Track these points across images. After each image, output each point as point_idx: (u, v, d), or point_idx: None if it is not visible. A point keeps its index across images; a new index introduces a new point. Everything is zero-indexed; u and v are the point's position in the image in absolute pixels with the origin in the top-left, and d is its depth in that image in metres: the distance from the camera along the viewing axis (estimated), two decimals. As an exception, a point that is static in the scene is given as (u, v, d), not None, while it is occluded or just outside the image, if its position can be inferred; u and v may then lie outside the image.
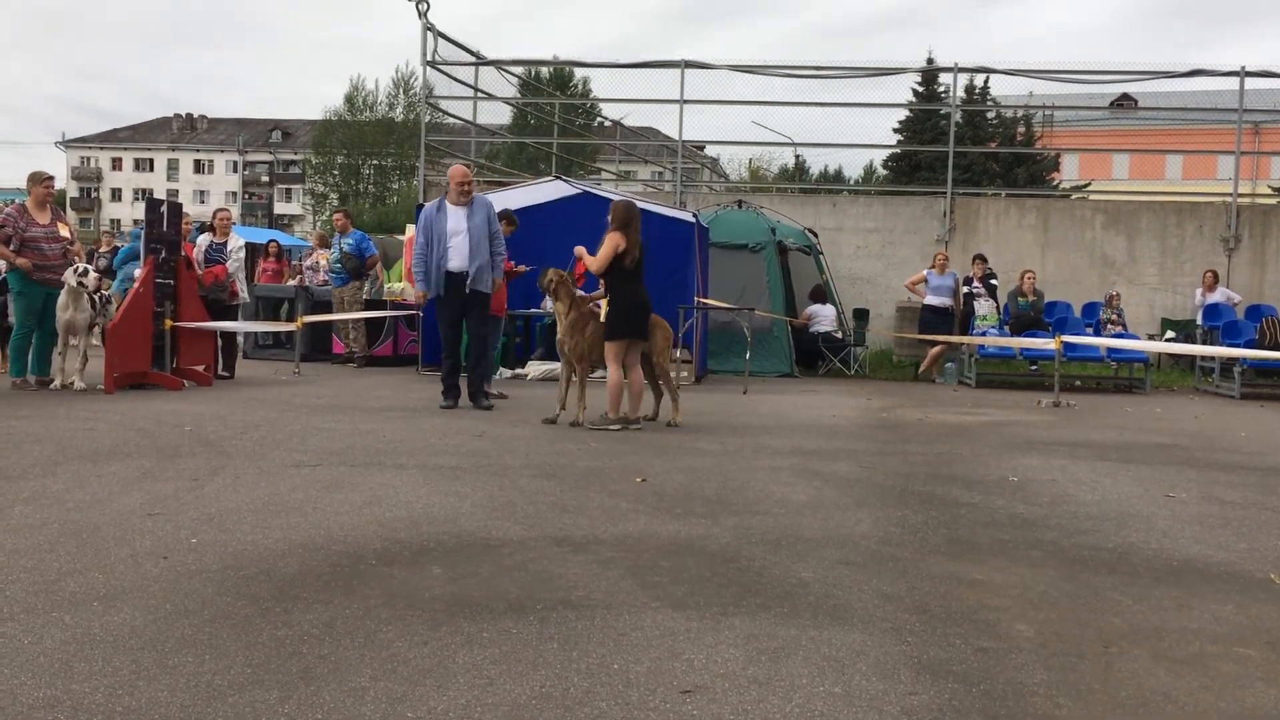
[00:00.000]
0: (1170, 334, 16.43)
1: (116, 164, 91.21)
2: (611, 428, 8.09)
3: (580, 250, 8.68)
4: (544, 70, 36.05)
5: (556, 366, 13.24)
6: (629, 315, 8.23)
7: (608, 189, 19.04)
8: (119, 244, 17.42)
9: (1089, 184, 34.27)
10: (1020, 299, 14.98)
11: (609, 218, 8.36)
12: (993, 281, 15.05)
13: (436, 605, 3.51)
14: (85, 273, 9.81)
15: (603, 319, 8.28)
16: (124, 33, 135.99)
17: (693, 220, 13.40)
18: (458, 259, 9.28)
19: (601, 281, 8.45)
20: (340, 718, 2.61)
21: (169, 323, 10.46)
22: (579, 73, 46.26)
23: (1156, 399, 13.12)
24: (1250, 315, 15.30)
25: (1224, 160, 23.70)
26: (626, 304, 8.22)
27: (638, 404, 8.36)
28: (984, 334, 14.34)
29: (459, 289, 9.29)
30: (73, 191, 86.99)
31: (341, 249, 14.43)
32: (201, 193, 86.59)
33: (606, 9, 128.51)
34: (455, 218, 9.30)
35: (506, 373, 13.11)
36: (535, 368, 13.13)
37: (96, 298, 10.11)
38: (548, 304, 13.94)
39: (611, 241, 8.16)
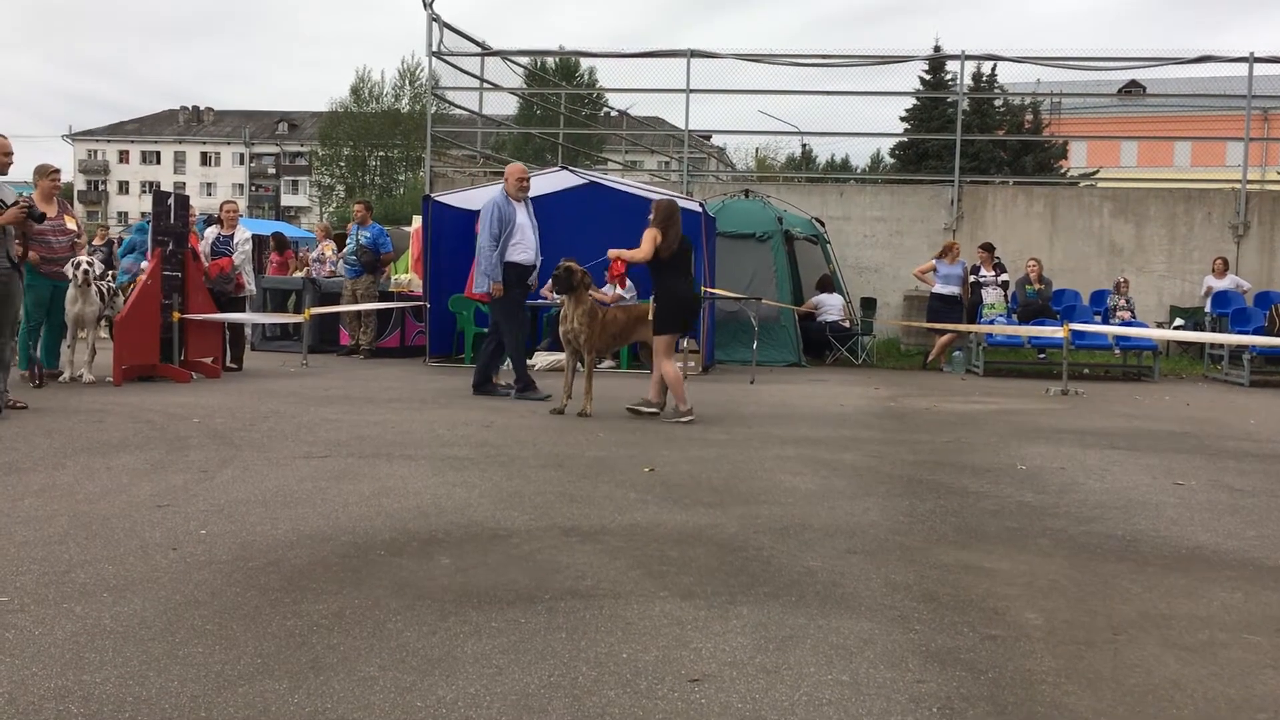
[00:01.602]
0: (1179, 321, 16.37)
1: (123, 156, 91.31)
2: (683, 420, 8.11)
3: (616, 251, 8.62)
4: (550, 60, 35.98)
5: (563, 357, 13.26)
6: (674, 310, 8.36)
7: (614, 179, 19.04)
8: (122, 235, 17.45)
9: (1097, 171, 34.15)
10: (1028, 287, 14.95)
11: (650, 216, 8.50)
12: (1004, 277, 15.01)
13: (445, 595, 3.52)
14: (81, 265, 9.80)
15: (650, 316, 8.44)
16: (130, 25, 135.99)
17: (699, 210, 13.36)
18: (530, 252, 9.60)
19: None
20: (349, 707, 2.62)
21: (177, 315, 10.49)
22: (585, 62, 46.27)
23: (1165, 387, 13.08)
24: (1259, 302, 15.24)
25: (1233, 147, 23.57)
26: (672, 299, 8.35)
27: (659, 393, 8.44)
28: (992, 322, 14.31)
29: (525, 281, 9.60)
30: (80, 184, 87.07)
31: (359, 241, 14.41)
32: (208, 185, 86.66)
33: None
34: (521, 213, 9.60)
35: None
36: (542, 358, 13.12)
37: (104, 290, 10.13)
38: (554, 297, 13.96)
39: (650, 236, 8.30)
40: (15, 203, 7.21)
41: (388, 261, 15.02)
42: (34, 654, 2.90)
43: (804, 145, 38.93)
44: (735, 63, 18.48)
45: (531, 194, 14.13)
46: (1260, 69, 17.21)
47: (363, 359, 14.11)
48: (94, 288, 9.85)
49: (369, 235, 14.47)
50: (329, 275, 15.57)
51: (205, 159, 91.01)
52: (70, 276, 9.72)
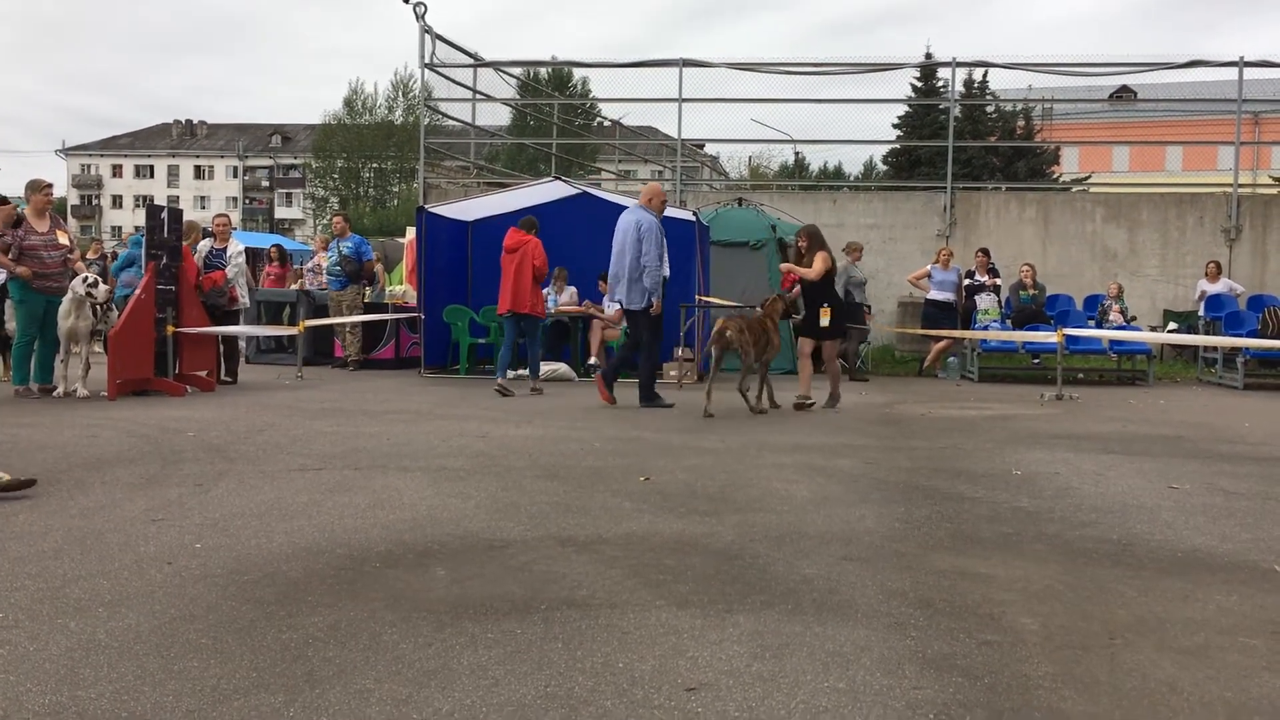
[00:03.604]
0: (1173, 325, 16.41)
1: (117, 171, 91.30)
2: (806, 403, 10.01)
3: (789, 265, 10.56)
4: (542, 71, 36.05)
5: (561, 367, 13.28)
6: (843, 317, 10.36)
7: (608, 189, 19.06)
8: (116, 250, 17.45)
9: (1089, 177, 34.23)
10: (1022, 292, 14.98)
11: (803, 243, 10.39)
12: (997, 281, 15.06)
13: (441, 607, 3.51)
14: (95, 284, 9.84)
15: (824, 323, 10.24)
16: (123, 40, 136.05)
17: (693, 219, 13.40)
18: (669, 268, 10.54)
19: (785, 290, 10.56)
20: (345, 720, 2.61)
21: (171, 328, 10.47)
22: (577, 73, 46.35)
23: (1159, 391, 13.10)
24: (1252, 305, 15.28)
25: (1224, 151, 23.70)
26: (842, 307, 10.35)
27: (836, 385, 10.26)
28: (986, 328, 14.33)
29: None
30: (73, 199, 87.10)
31: (340, 252, 14.43)
32: (202, 198, 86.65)
33: (605, 9, 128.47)
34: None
35: (511, 373, 13.11)
36: (544, 367, 13.11)
37: (97, 304, 10.12)
38: (550, 305, 13.99)
39: (824, 259, 10.16)
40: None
41: (370, 269, 15.03)
42: (28, 670, 2.89)
43: (797, 153, 39.03)
44: (728, 72, 18.54)
45: (525, 204, 14.25)
46: (1250, 73, 17.28)
47: (351, 370, 14.10)
48: (89, 303, 9.85)
49: (350, 245, 14.50)
50: (323, 287, 15.58)
51: (199, 172, 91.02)
52: (73, 290, 9.72)
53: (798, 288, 10.50)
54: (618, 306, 13.65)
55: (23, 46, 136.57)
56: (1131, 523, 5.01)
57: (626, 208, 13.96)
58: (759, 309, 10.34)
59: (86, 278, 9.87)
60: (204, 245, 11.94)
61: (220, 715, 2.62)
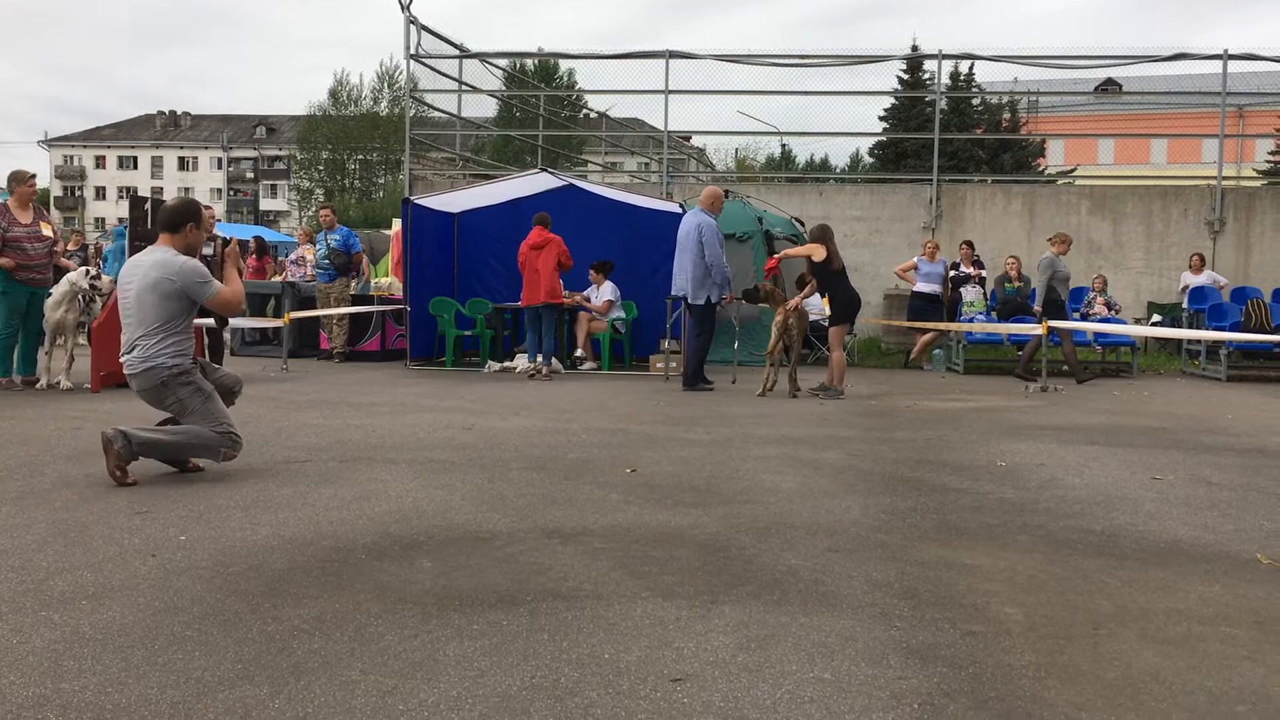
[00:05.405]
0: (1157, 317, 16.50)
1: (100, 162, 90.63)
2: (839, 397, 10.30)
3: (775, 259, 11.83)
4: (529, 62, 35.96)
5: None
6: (847, 307, 10.66)
7: (594, 181, 19.04)
8: (100, 242, 17.35)
9: (1074, 169, 34.38)
10: (1007, 285, 15.04)
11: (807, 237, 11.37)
12: (982, 273, 15.13)
13: (427, 598, 3.51)
14: (98, 276, 9.83)
15: (828, 312, 10.80)
16: (106, 30, 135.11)
17: (680, 211, 13.38)
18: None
19: (811, 283, 10.92)
20: (331, 712, 2.61)
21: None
22: (564, 64, 46.23)
23: (1143, 382, 13.17)
24: (1236, 298, 15.38)
25: (1208, 143, 23.76)
26: (845, 298, 10.67)
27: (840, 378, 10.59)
28: (971, 320, 14.38)
29: None
30: (56, 190, 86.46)
31: (328, 245, 14.39)
32: (186, 190, 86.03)
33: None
34: None
35: (495, 366, 13.10)
36: (524, 360, 13.10)
37: (80, 296, 10.07)
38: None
39: (808, 248, 10.80)
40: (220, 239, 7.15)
41: (359, 261, 15.00)
42: (11, 663, 2.88)
43: (783, 145, 39.10)
44: (714, 63, 18.51)
45: (512, 195, 14.24)
46: (1234, 66, 17.36)
47: (337, 362, 14.06)
48: (78, 295, 9.81)
49: (338, 238, 14.45)
50: (309, 279, 15.52)
51: (183, 164, 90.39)
52: (70, 281, 9.68)
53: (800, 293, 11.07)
54: (606, 298, 13.68)
55: (3, 36, 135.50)
56: (1115, 514, 5.04)
57: (611, 200, 14.03)
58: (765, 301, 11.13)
59: (89, 270, 9.84)
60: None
61: (205, 707, 2.61)
